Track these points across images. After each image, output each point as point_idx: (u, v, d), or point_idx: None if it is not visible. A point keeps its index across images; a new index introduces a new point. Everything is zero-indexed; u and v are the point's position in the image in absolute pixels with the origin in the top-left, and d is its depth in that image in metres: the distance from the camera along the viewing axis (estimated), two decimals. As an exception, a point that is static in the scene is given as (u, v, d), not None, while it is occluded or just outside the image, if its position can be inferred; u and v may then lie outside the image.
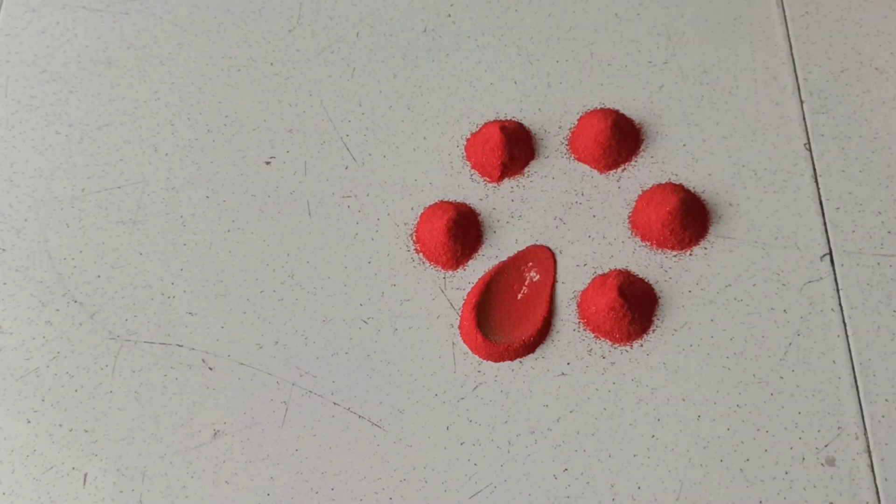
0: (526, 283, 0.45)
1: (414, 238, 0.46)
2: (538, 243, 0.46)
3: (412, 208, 0.46)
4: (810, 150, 0.48)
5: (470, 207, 0.46)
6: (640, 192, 0.47)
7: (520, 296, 0.44)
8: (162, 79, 0.50)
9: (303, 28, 0.52)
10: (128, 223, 0.46)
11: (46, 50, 0.51)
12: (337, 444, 0.41)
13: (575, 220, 0.46)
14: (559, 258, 0.45)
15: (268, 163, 0.48)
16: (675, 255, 0.45)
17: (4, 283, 0.45)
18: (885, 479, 0.40)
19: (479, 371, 0.43)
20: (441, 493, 0.40)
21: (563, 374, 0.43)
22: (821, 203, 0.46)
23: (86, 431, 0.42)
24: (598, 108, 0.49)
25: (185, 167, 0.48)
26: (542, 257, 0.45)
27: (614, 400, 0.42)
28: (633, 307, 0.43)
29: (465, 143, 0.48)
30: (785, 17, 0.51)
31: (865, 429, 0.41)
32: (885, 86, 0.49)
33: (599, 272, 0.45)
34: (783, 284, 0.44)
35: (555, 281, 0.45)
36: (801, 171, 0.47)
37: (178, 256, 0.46)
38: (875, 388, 0.42)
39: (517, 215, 0.46)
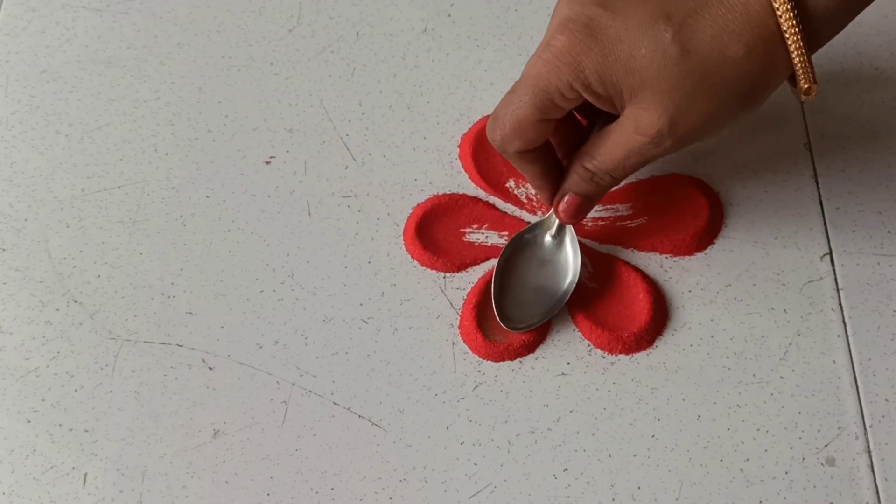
0: (526, 284, 0.45)
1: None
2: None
3: (412, 208, 0.46)
4: (810, 150, 0.48)
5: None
6: (640, 192, 0.47)
7: (520, 296, 0.44)
8: (162, 79, 0.50)
9: (303, 28, 0.52)
10: (128, 223, 0.46)
11: (46, 50, 0.51)
12: (337, 444, 0.41)
13: (575, 220, 0.46)
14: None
15: (268, 163, 0.48)
16: (675, 255, 0.45)
17: (4, 283, 0.45)
18: (885, 479, 0.40)
19: (479, 371, 0.43)
20: (441, 493, 0.40)
21: (563, 374, 0.43)
22: (821, 203, 0.46)
23: (86, 431, 0.42)
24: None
25: (185, 167, 0.48)
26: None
27: (614, 400, 0.42)
28: None
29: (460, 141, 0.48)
30: (785, 17, 0.51)
31: (865, 429, 0.41)
32: (885, 86, 0.49)
33: (599, 272, 0.45)
34: (783, 284, 0.44)
35: (555, 281, 0.45)
36: (801, 171, 0.47)
37: (178, 256, 0.46)
38: (875, 388, 0.42)
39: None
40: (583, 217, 0.42)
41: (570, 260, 0.44)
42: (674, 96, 0.35)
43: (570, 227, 0.44)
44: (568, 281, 0.43)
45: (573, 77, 0.36)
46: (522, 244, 0.44)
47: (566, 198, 0.41)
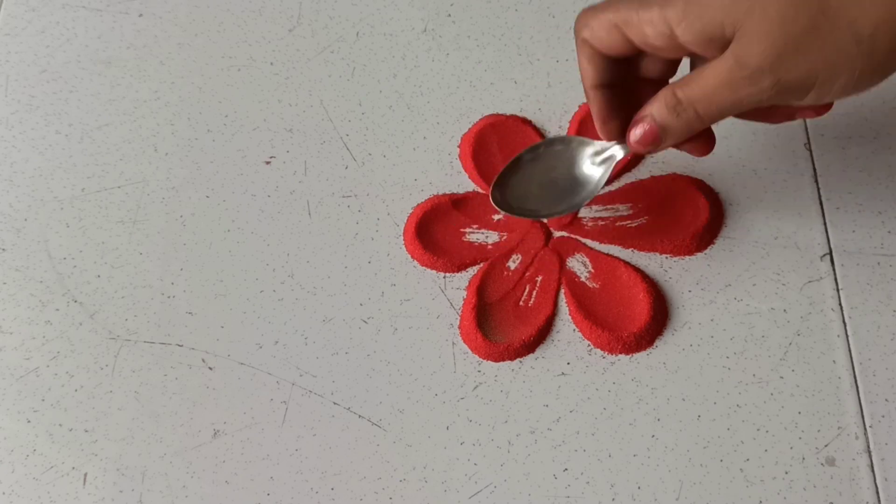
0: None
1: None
2: (538, 243, 0.46)
3: (412, 208, 0.46)
4: (810, 150, 0.48)
5: (470, 207, 0.47)
6: (640, 192, 0.47)
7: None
8: (162, 79, 0.50)
9: (303, 28, 0.52)
10: (128, 223, 0.46)
11: (46, 50, 0.51)
12: (337, 444, 0.41)
13: (575, 220, 0.46)
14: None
15: (268, 163, 0.48)
16: (675, 255, 0.45)
17: (4, 283, 0.45)
18: (885, 479, 0.40)
19: (479, 371, 0.43)
20: (441, 493, 0.40)
21: (563, 374, 0.43)
22: (821, 203, 0.46)
23: (86, 431, 0.42)
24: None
25: (185, 167, 0.48)
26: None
27: (614, 400, 0.42)
28: None
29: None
30: (785, 17, 0.51)
31: (865, 429, 0.41)
32: (885, 86, 0.49)
33: (599, 272, 0.45)
34: (783, 284, 0.44)
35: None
36: (801, 171, 0.47)
37: (178, 256, 0.46)
38: (875, 388, 0.42)
39: (517, 215, 0.46)
40: (652, 150, 0.38)
41: (595, 182, 0.41)
42: (785, 29, 0.32)
43: (613, 163, 0.41)
44: (581, 196, 0.42)
45: (663, 18, 0.34)
46: (563, 144, 0.42)
47: (644, 123, 0.37)
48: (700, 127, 0.37)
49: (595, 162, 0.41)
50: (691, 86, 0.36)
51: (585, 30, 0.37)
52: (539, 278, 0.45)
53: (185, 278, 0.45)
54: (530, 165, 0.42)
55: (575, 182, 0.42)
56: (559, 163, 0.42)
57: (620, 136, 0.40)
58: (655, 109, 0.37)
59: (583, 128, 0.48)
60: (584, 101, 0.49)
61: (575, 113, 0.48)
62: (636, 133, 0.38)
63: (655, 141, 0.38)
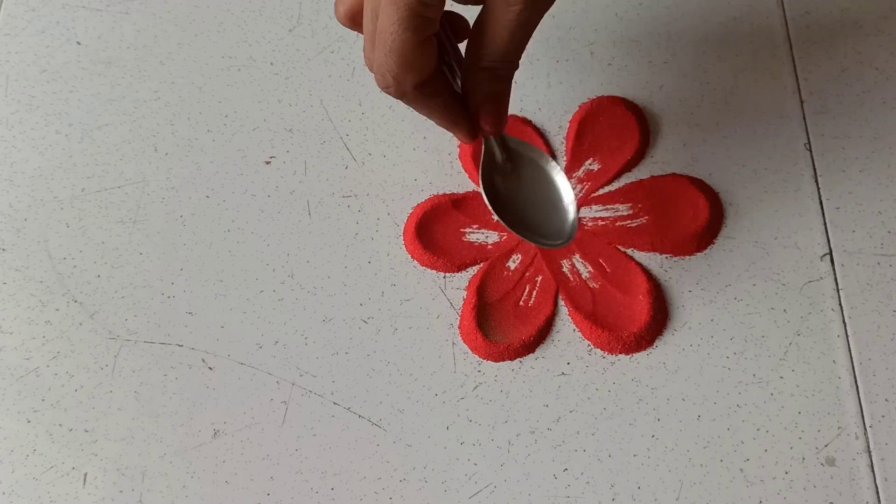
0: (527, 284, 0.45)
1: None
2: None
3: (412, 208, 0.46)
4: (810, 150, 0.48)
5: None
6: (640, 192, 0.47)
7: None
8: (162, 79, 0.50)
9: (303, 28, 0.52)
10: (128, 223, 0.46)
11: (46, 50, 0.51)
12: (337, 444, 0.41)
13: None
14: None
15: (268, 163, 0.48)
16: (675, 255, 0.45)
17: (4, 283, 0.45)
18: (885, 479, 0.40)
19: (479, 371, 0.43)
20: (441, 493, 0.40)
21: (563, 374, 0.43)
22: (821, 203, 0.46)
23: (86, 431, 0.42)
24: (598, 107, 0.49)
25: (185, 167, 0.48)
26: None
27: (614, 400, 0.42)
28: None
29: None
30: (785, 17, 0.51)
31: (865, 429, 0.41)
32: (885, 86, 0.49)
33: (599, 272, 0.45)
34: (783, 284, 0.44)
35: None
36: (801, 171, 0.47)
37: (178, 256, 0.46)
38: (875, 388, 0.42)
39: (517, 215, 0.46)
40: (506, 117, 0.39)
41: (536, 156, 0.41)
42: None
43: (505, 135, 0.41)
44: (551, 164, 0.41)
45: None
46: (493, 181, 0.41)
47: (486, 107, 0.38)
48: (516, 68, 0.37)
49: (504, 155, 0.41)
50: (490, 49, 0.36)
51: (410, 75, 0.35)
52: (539, 278, 0.45)
53: (185, 278, 0.45)
54: (515, 206, 0.41)
55: (537, 173, 0.41)
56: (510, 182, 0.41)
57: (478, 130, 0.39)
58: (480, 91, 0.37)
59: (582, 128, 0.48)
60: (584, 101, 0.49)
61: (574, 113, 0.48)
62: (484, 122, 0.38)
63: (502, 113, 0.38)
